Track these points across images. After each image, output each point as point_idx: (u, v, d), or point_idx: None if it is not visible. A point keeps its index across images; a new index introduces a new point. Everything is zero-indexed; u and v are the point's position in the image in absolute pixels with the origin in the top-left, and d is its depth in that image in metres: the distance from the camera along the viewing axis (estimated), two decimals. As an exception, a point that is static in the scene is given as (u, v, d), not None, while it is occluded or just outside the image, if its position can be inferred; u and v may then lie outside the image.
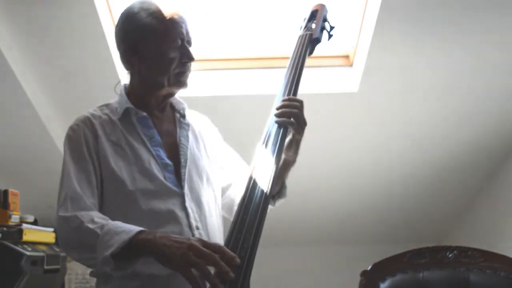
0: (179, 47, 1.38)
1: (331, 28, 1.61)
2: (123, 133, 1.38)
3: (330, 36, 1.61)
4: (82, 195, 1.29)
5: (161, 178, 1.34)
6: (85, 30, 2.50)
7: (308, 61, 1.52)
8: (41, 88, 2.70)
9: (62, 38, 2.53)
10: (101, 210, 1.33)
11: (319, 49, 1.60)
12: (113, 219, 1.26)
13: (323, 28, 1.59)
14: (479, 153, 2.99)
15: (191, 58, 1.40)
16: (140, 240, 1.17)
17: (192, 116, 1.53)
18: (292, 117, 1.35)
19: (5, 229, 2.32)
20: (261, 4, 2.87)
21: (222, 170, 1.53)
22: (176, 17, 1.39)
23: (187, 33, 1.41)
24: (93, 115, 1.41)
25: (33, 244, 2.41)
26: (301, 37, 1.55)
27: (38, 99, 2.69)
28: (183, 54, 1.39)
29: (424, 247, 1.84)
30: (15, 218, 2.42)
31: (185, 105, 1.50)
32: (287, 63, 1.49)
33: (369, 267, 1.82)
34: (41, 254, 2.38)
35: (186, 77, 1.42)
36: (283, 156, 1.40)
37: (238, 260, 1.13)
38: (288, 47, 1.62)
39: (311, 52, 1.55)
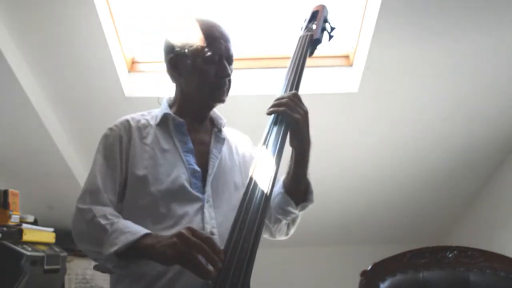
0: (216, 63, 1.41)
1: (332, 29, 1.61)
2: (158, 138, 1.43)
3: (330, 37, 1.61)
4: (101, 190, 1.34)
5: (186, 182, 1.37)
6: (85, 29, 2.50)
7: (308, 61, 1.51)
8: (41, 88, 2.70)
9: (62, 38, 2.53)
10: (122, 208, 1.37)
11: (319, 49, 1.60)
12: (132, 217, 1.31)
13: (323, 29, 1.59)
14: (478, 153, 2.99)
15: (226, 75, 1.43)
16: (144, 244, 1.20)
17: (232, 134, 1.57)
18: (282, 107, 1.35)
19: (5, 229, 2.31)
20: (261, 4, 2.87)
21: None
22: (216, 33, 1.42)
23: (227, 49, 1.43)
24: (132, 118, 1.47)
25: (33, 244, 2.41)
26: (302, 37, 1.55)
27: (38, 99, 2.69)
28: (219, 70, 1.41)
29: (424, 247, 1.84)
30: (15, 218, 2.42)
31: (224, 121, 1.53)
32: (288, 63, 1.49)
33: (369, 267, 1.82)
34: (41, 254, 2.38)
35: (223, 93, 1.45)
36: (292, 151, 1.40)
37: (223, 255, 1.15)
38: (289, 47, 1.62)
39: (311, 53, 1.55)
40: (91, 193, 1.34)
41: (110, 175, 1.37)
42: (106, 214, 1.29)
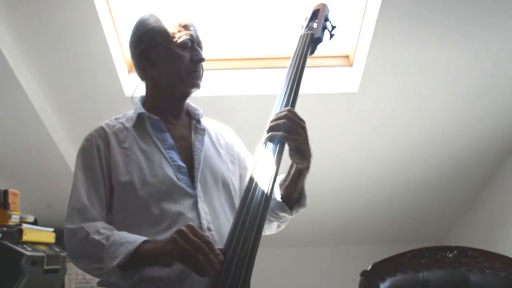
0: (189, 48, 1.41)
1: (333, 27, 1.59)
2: (136, 139, 1.40)
3: (331, 35, 1.60)
4: (88, 206, 1.31)
5: (174, 179, 1.35)
6: (85, 29, 2.50)
7: (308, 61, 1.50)
8: (42, 89, 2.70)
9: (62, 38, 2.53)
10: (112, 218, 1.35)
11: (319, 49, 1.59)
12: (125, 225, 1.29)
13: (324, 27, 1.57)
14: (478, 153, 2.99)
15: (201, 58, 1.42)
16: (144, 251, 1.19)
17: (211, 124, 1.54)
18: (280, 130, 1.30)
19: (5, 229, 2.31)
20: (261, 4, 2.87)
21: (245, 177, 1.50)
22: (184, 20, 1.43)
23: (197, 36, 1.44)
24: (107, 124, 1.43)
25: (33, 244, 2.40)
26: (303, 36, 1.54)
27: (38, 99, 2.69)
28: (193, 54, 1.41)
29: (424, 247, 1.84)
30: (15, 218, 2.42)
31: (201, 111, 1.50)
32: (289, 62, 1.49)
33: (369, 267, 1.82)
34: (41, 254, 2.38)
35: (198, 77, 1.43)
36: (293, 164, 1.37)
37: (222, 257, 1.15)
38: (289, 47, 1.62)
39: (312, 52, 1.54)
40: (78, 211, 1.31)
41: (94, 188, 1.34)
42: (99, 229, 1.26)
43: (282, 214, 1.43)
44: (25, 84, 2.57)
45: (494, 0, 2.34)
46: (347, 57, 2.84)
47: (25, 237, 2.36)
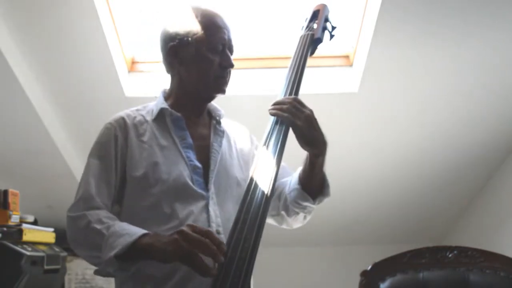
0: (220, 52, 1.40)
1: (333, 28, 1.60)
2: (155, 134, 1.39)
3: (331, 36, 1.60)
4: (95, 195, 1.31)
5: (188, 180, 1.34)
6: (85, 30, 2.50)
7: (309, 61, 1.50)
8: (41, 88, 2.70)
9: (63, 38, 2.53)
10: (122, 211, 1.35)
11: (319, 49, 1.60)
12: (134, 220, 1.29)
13: (324, 28, 1.58)
14: (479, 153, 2.99)
15: (230, 64, 1.42)
16: (142, 244, 1.18)
17: (230, 126, 1.54)
18: (285, 113, 1.32)
19: (5, 229, 2.31)
20: (261, 4, 2.87)
21: None
22: (219, 22, 1.41)
23: (229, 39, 1.43)
24: (128, 115, 1.42)
25: (33, 244, 2.40)
26: (303, 37, 1.54)
27: (38, 99, 2.69)
28: (223, 60, 1.40)
29: (424, 247, 1.85)
30: (15, 218, 2.42)
31: (222, 112, 1.50)
32: (289, 63, 1.49)
33: (369, 267, 1.82)
34: (41, 254, 2.38)
35: (225, 83, 1.43)
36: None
37: (224, 246, 1.13)
38: (289, 47, 1.62)
39: (312, 52, 1.54)
40: (84, 200, 1.31)
41: (105, 178, 1.33)
42: (101, 218, 1.26)
43: (305, 203, 1.41)
44: (25, 84, 2.57)
45: (497, 0, 2.34)
46: (347, 57, 2.84)
47: (25, 237, 2.36)
